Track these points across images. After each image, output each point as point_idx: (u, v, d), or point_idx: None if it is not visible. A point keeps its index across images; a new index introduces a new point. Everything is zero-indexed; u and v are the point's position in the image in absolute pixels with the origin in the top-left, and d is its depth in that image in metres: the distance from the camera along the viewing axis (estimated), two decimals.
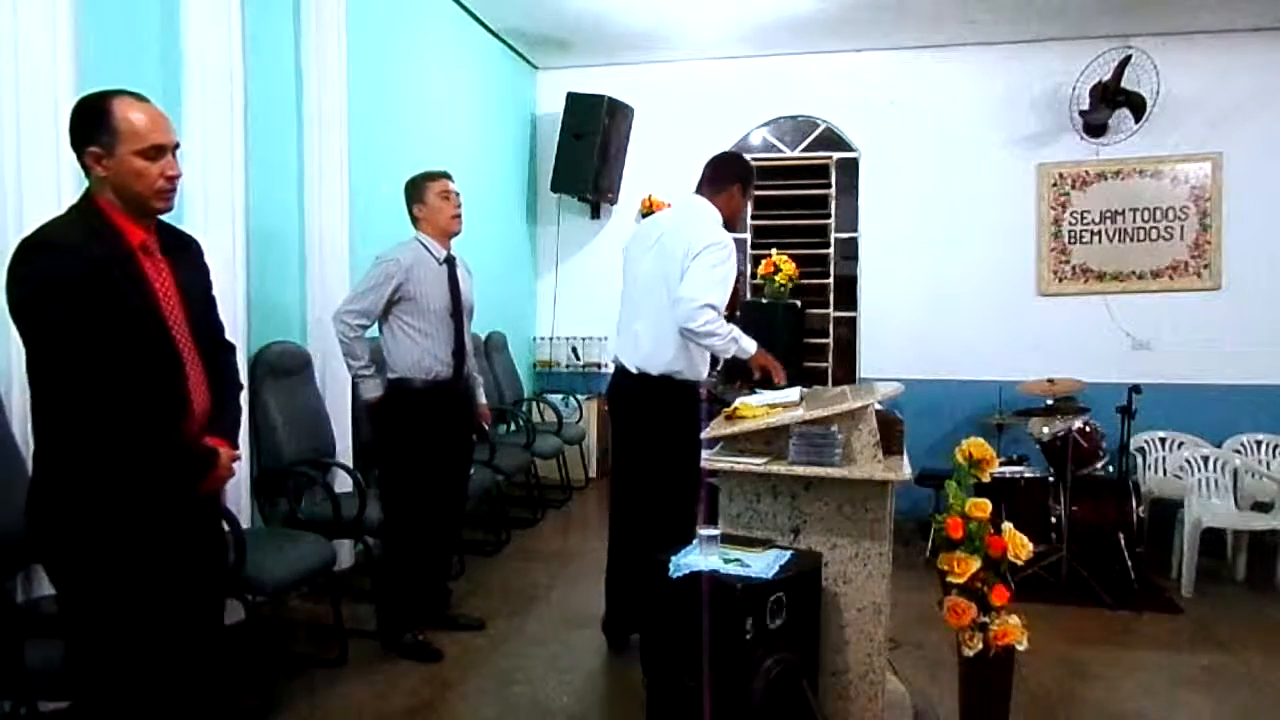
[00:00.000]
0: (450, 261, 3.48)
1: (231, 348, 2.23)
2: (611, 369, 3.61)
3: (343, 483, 3.83)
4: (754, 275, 6.44)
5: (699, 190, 3.36)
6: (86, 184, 1.95)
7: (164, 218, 2.03)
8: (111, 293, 1.83)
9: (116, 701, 1.92)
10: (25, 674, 2.15)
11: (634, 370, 3.31)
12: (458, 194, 3.48)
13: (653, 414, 3.28)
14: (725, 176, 3.32)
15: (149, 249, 1.95)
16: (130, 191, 1.90)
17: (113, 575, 1.88)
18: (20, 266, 1.82)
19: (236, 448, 2.10)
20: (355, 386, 3.57)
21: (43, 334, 1.81)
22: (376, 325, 3.43)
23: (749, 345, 3.19)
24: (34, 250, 1.82)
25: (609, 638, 3.52)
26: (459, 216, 3.47)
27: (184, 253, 2.07)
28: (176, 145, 1.97)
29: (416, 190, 3.45)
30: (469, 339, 3.54)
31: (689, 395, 3.29)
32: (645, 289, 3.29)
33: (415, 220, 3.47)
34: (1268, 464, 5.26)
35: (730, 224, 3.34)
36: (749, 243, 6.66)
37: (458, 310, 3.46)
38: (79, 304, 1.79)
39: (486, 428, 3.94)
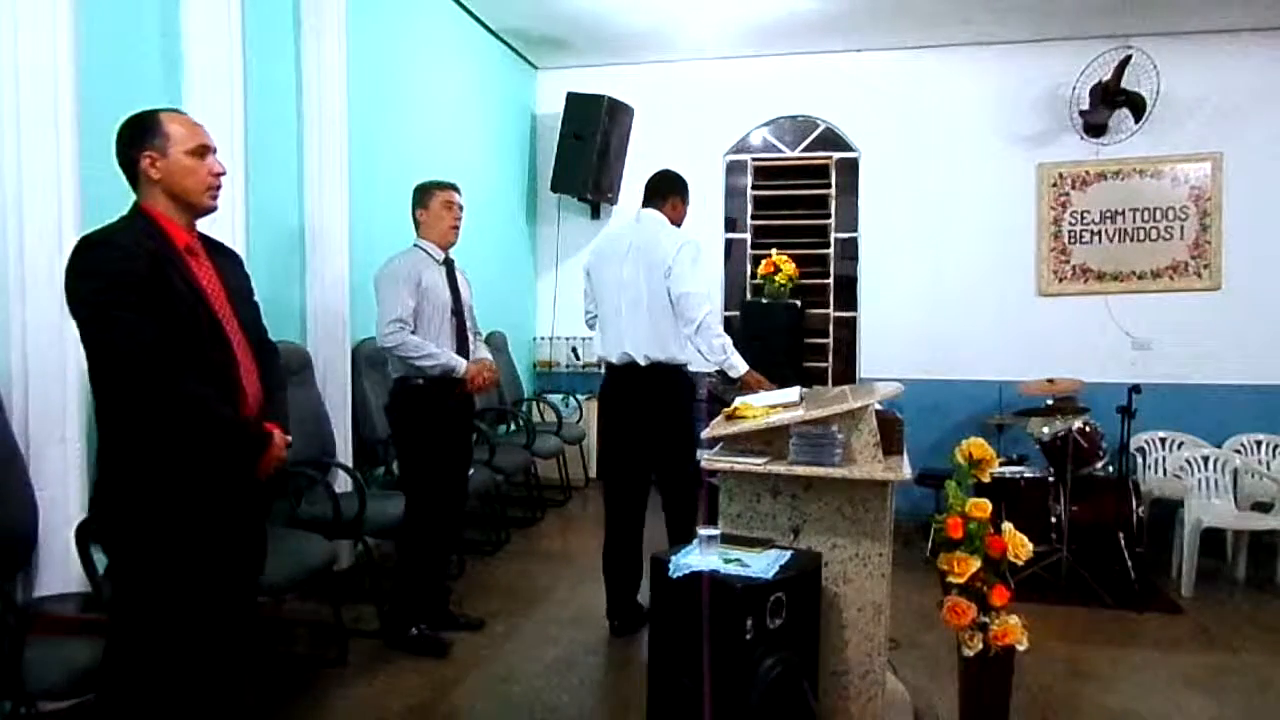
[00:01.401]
0: (449, 263, 3.55)
1: (276, 349, 2.36)
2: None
3: (343, 483, 3.83)
4: (754, 275, 6.45)
5: (647, 204, 3.75)
6: (134, 196, 2.10)
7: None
8: (166, 285, 1.98)
9: (162, 686, 2.03)
10: (24, 674, 2.15)
11: (644, 362, 3.56)
12: (461, 207, 3.56)
13: (664, 397, 3.58)
14: (668, 190, 3.74)
15: (194, 250, 2.12)
16: (182, 189, 2.08)
17: (175, 559, 2.02)
18: (81, 262, 1.97)
19: (289, 434, 2.23)
20: (448, 370, 3.38)
21: (106, 325, 1.94)
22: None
23: (739, 364, 3.47)
24: (93, 247, 1.98)
25: (615, 624, 3.70)
26: (457, 228, 3.55)
27: (225, 259, 2.26)
28: (215, 149, 2.17)
29: (423, 196, 3.53)
30: (472, 338, 3.57)
31: (690, 382, 3.68)
32: (634, 296, 3.57)
33: (417, 224, 3.55)
34: (1268, 464, 5.26)
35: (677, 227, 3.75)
36: (749, 243, 6.66)
37: (459, 308, 3.51)
38: (139, 294, 1.93)
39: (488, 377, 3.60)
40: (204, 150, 2.12)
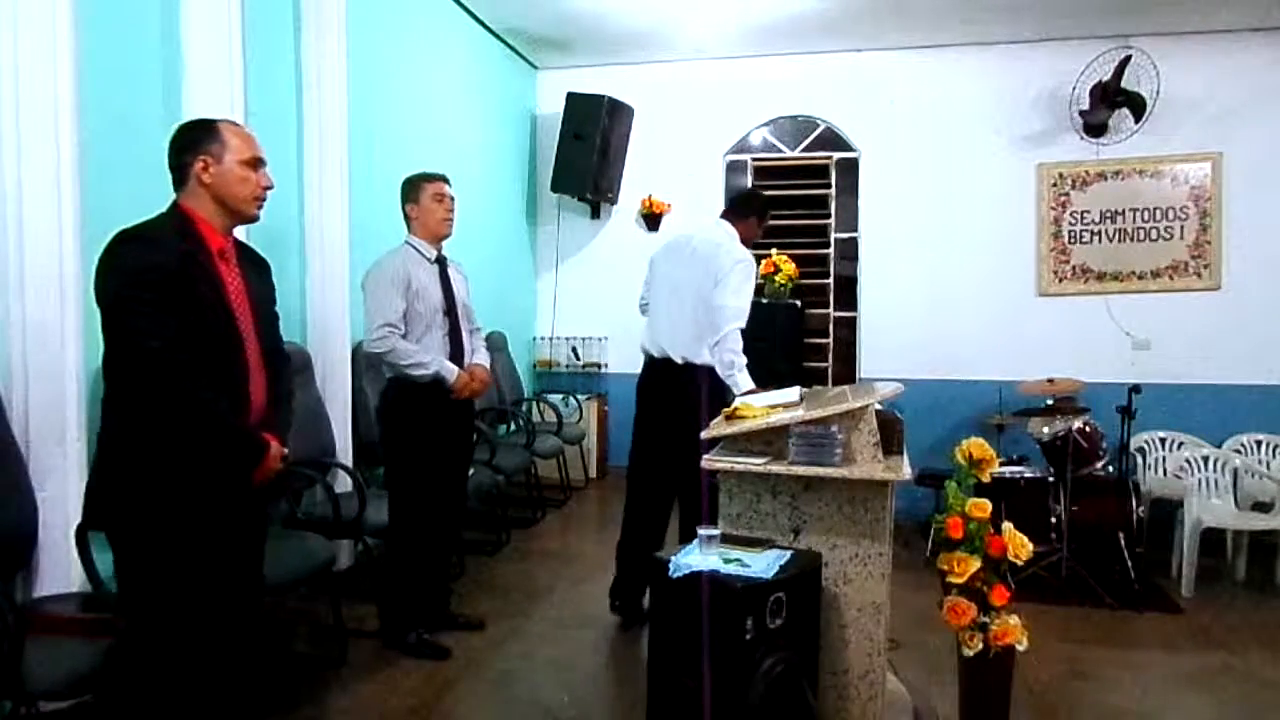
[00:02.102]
0: (441, 261, 3.48)
1: (289, 360, 2.39)
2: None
3: (343, 483, 3.83)
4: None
5: (725, 215, 3.87)
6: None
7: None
8: (191, 286, 2.02)
9: (167, 681, 2.05)
10: (24, 674, 2.15)
11: (680, 361, 3.69)
12: (452, 198, 3.49)
13: (695, 395, 3.60)
14: (749, 209, 3.87)
15: (226, 255, 2.16)
16: (230, 196, 2.15)
17: (171, 546, 2.04)
18: (114, 257, 2.01)
19: (286, 447, 2.26)
20: (436, 375, 3.31)
21: (129, 319, 1.97)
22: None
23: (742, 383, 3.48)
24: (129, 242, 2.03)
25: (616, 604, 3.80)
26: (450, 220, 3.48)
27: (256, 268, 2.28)
28: (267, 161, 2.24)
29: (412, 190, 3.46)
30: (467, 337, 3.51)
31: (722, 384, 3.66)
32: (685, 296, 3.68)
33: (407, 220, 3.48)
34: (1268, 464, 5.26)
35: (745, 246, 3.80)
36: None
37: (452, 308, 3.43)
38: (165, 293, 1.97)
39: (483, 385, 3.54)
40: (258, 162, 2.18)
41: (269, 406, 2.23)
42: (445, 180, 3.50)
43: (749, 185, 3.81)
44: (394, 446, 3.46)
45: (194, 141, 2.13)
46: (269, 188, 2.22)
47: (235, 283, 2.16)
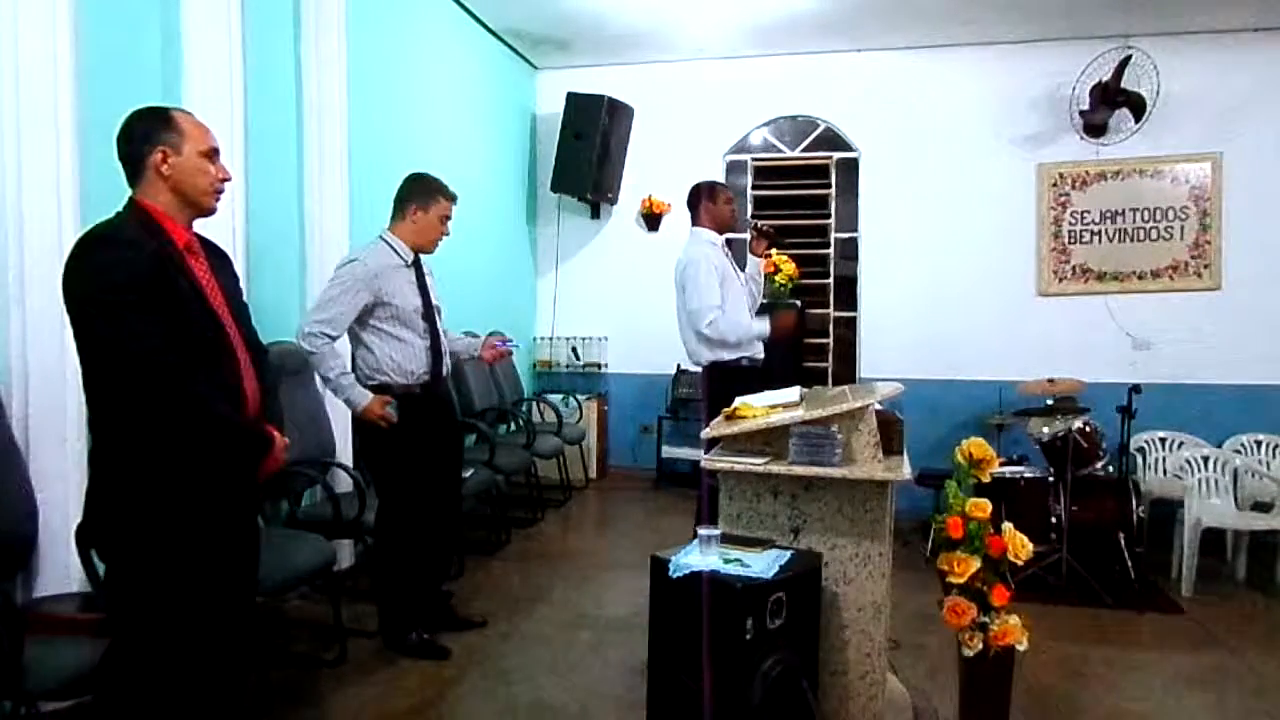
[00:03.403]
0: (417, 263, 3.41)
1: (267, 351, 2.33)
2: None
3: (343, 483, 3.83)
4: None
5: (692, 224, 4.10)
6: (130, 192, 2.07)
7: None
8: (167, 284, 1.94)
9: (161, 687, 2.02)
10: (24, 674, 2.15)
11: (693, 368, 4.12)
12: (450, 220, 3.45)
13: (707, 391, 3.92)
14: (693, 202, 4.10)
15: (193, 249, 2.09)
16: (190, 188, 2.06)
17: (170, 562, 1.99)
18: (81, 261, 1.93)
19: (286, 438, 2.23)
20: (344, 399, 3.25)
21: (107, 324, 1.89)
22: (346, 334, 3.31)
23: (759, 332, 3.89)
24: (93, 244, 1.94)
25: None
26: (439, 242, 3.44)
27: (220, 260, 2.21)
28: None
29: (425, 194, 3.36)
30: (445, 338, 3.48)
31: (727, 371, 3.92)
32: (679, 309, 4.01)
33: (400, 215, 3.37)
34: (1268, 464, 5.26)
35: (725, 227, 4.13)
36: (749, 243, 6.65)
37: (429, 311, 3.38)
38: (141, 293, 1.89)
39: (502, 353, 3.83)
40: (215, 153, 2.11)
41: (262, 399, 2.19)
42: (455, 203, 3.44)
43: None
44: (374, 453, 3.40)
45: (150, 132, 2.02)
46: (227, 179, 2.14)
47: (207, 277, 2.09)
